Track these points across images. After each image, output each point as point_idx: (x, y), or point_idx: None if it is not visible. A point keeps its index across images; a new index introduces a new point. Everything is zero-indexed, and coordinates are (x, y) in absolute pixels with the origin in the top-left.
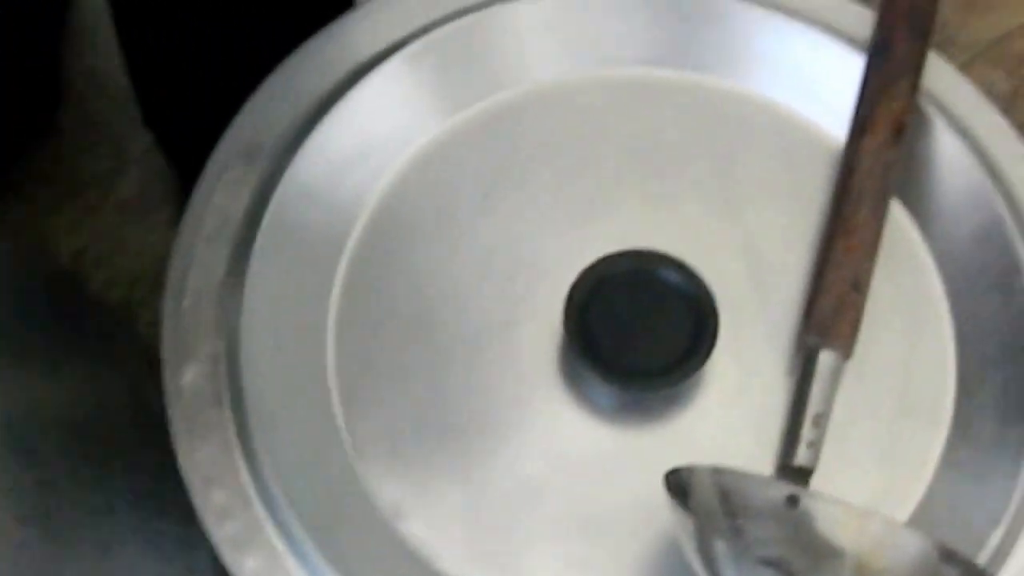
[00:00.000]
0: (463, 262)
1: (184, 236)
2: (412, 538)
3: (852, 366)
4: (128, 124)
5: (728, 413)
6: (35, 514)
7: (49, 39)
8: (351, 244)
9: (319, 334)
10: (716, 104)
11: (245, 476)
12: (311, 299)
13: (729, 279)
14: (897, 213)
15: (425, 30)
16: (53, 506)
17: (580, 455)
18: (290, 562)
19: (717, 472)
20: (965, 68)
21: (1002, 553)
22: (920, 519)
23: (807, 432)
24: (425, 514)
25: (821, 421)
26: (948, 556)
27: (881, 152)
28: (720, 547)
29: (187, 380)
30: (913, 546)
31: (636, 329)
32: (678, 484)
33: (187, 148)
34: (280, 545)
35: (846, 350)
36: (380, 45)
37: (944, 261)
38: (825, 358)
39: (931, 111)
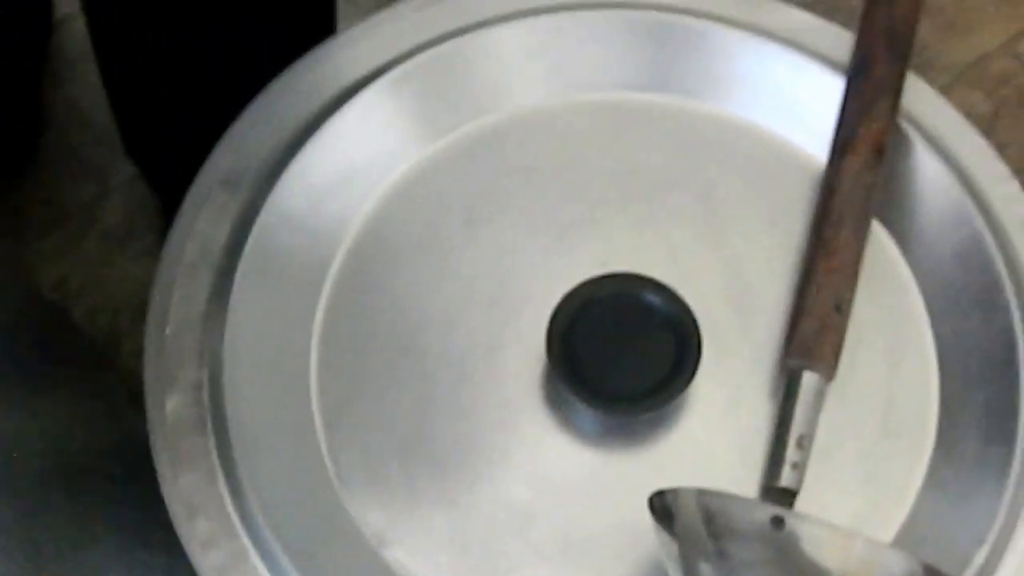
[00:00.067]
0: (446, 287)
1: (165, 264)
2: (397, 565)
3: (835, 387)
4: (110, 154)
5: (712, 436)
6: (19, 546)
7: (30, 70)
8: (334, 271)
9: (302, 361)
10: (697, 127)
11: (229, 504)
12: (294, 326)
13: (712, 302)
14: (878, 234)
15: (406, 56)
16: (37, 538)
17: (565, 479)
18: None
19: (702, 494)
20: (945, 90)
21: (986, 572)
22: (905, 539)
23: (791, 454)
24: (410, 540)
25: (805, 442)
26: None
27: (862, 173)
28: (705, 570)
29: (170, 408)
30: (898, 566)
31: (619, 352)
32: (663, 507)
33: (169, 177)
34: (265, 573)
35: (829, 371)
36: (361, 71)
37: (925, 281)
38: (808, 380)
39: (911, 132)
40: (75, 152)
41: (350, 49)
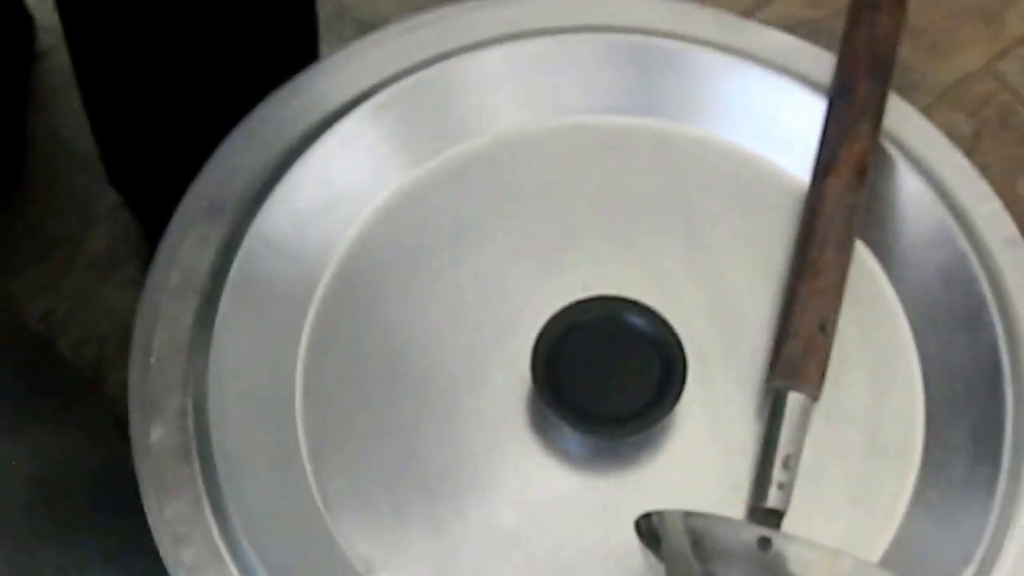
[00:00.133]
0: (431, 312)
1: (149, 293)
2: None
3: (821, 407)
4: (93, 183)
5: (698, 457)
6: (5, 573)
7: (13, 102)
8: (318, 297)
9: (288, 387)
10: (681, 150)
11: (215, 532)
12: (279, 353)
13: (696, 323)
14: (862, 254)
15: (389, 82)
16: (23, 566)
17: (552, 503)
18: None
19: (688, 516)
20: (927, 111)
21: None
22: (892, 559)
23: (777, 474)
24: (397, 566)
25: (791, 463)
26: None
27: (845, 194)
28: None
29: (155, 436)
30: None
31: (604, 375)
32: (649, 529)
33: (154, 205)
34: None
35: (814, 392)
36: (344, 97)
37: (909, 301)
38: (794, 400)
39: (894, 153)
40: (59, 182)
41: (333, 75)
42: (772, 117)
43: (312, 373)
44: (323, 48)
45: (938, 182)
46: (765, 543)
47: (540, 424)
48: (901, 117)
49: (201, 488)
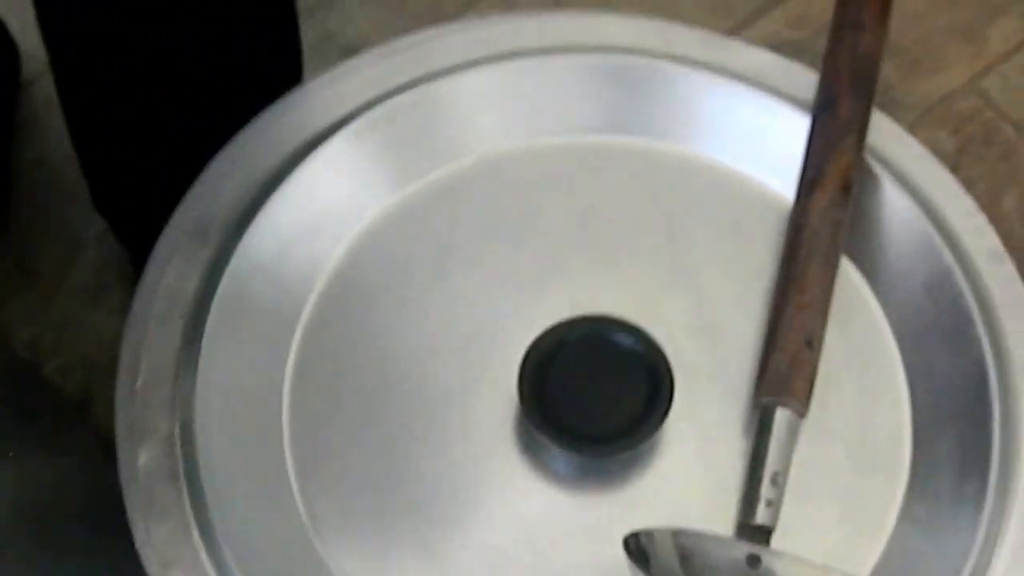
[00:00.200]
0: (417, 334)
1: (135, 316)
2: None
3: (808, 423)
4: (79, 210)
5: (686, 475)
6: None
7: None
8: (304, 319)
9: (274, 409)
10: (665, 168)
11: (203, 556)
12: (265, 375)
13: (682, 341)
14: (847, 269)
15: (372, 104)
16: None
17: (540, 522)
18: None
19: (677, 534)
20: (911, 129)
21: None
22: (881, 574)
23: (766, 491)
24: None
25: (779, 479)
26: None
27: (829, 210)
28: None
29: (142, 460)
30: None
31: (592, 394)
32: (638, 548)
33: (140, 230)
34: None
35: (802, 408)
36: (328, 120)
37: (895, 316)
38: (781, 416)
39: (878, 169)
40: (45, 210)
41: (317, 98)
42: (756, 135)
43: (299, 395)
44: (308, 74)
45: (922, 197)
46: (754, 560)
47: (528, 443)
48: (885, 134)
49: (189, 512)
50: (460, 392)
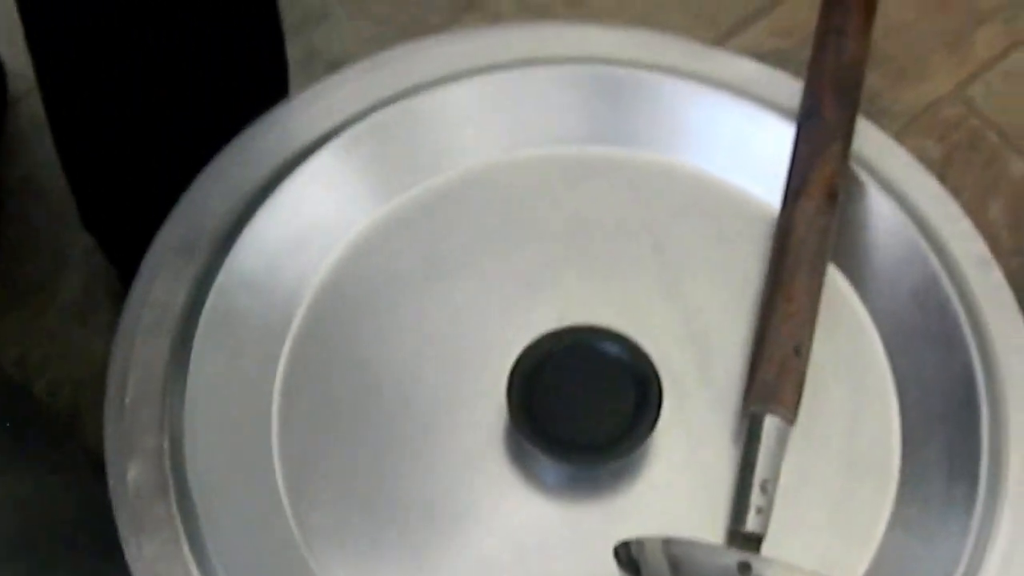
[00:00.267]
0: (406, 346)
1: (123, 332)
2: None
3: (797, 430)
4: (67, 228)
5: (676, 483)
6: None
7: None
8: (292, 332)
9: (263, 423)
10: (651, 178)
11: (194, 570)
12: (254, 389)
13: (670, 350)
14: (834, 277)
15: (359, 117)
16: None
17: (530, 532)
18: None
19: (667, 543)
20: (898, 136)
21: None
22: None
23: (755, 498)
24: None
25: (769, 487)
26: None
27: (816, 217)
28: None
29: (132, 476)
30: None
31: (580, 404)
32: (628, 557)
33: (127, 246)
34: None
35: (790, 415)
36: (314, 134)
37: (883, 322)
38: (770, 424)
39: (864, 177)
40: (32, 227)
41: (302, 112)
42: (741, 144)
43: (288, 408)
44: (293, 91)
45: (909, 204)
46: (745, 568)
47: (517, 454)
48: (871, 141)
49: (179, 526)
50: (449, 403)
